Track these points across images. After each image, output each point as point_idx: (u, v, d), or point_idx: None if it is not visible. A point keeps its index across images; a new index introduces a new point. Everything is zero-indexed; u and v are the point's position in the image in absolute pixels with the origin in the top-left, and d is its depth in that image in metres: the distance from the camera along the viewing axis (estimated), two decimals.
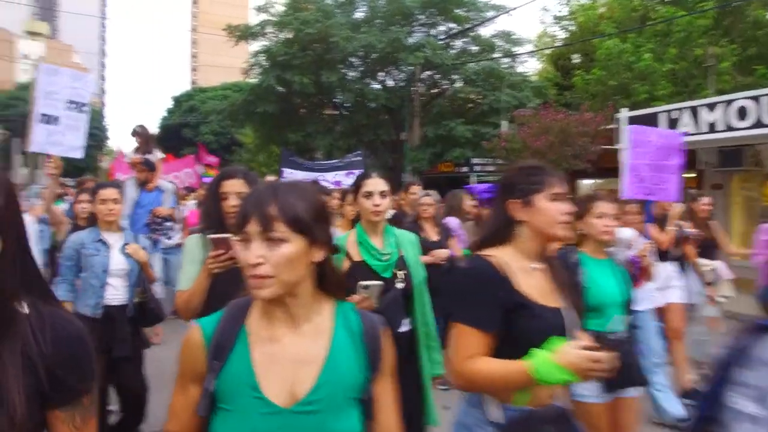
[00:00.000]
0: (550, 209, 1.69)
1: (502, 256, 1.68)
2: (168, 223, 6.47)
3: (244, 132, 28.35)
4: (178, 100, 41.63)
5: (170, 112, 41.70)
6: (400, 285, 2.51)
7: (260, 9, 19.72)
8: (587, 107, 13.67)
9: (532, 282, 1.68)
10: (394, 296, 2.44)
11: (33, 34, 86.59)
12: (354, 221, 2.88)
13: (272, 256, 1.12)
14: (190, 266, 2.38)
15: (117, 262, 3.35)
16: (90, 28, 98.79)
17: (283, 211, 1.13)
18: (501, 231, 1.76)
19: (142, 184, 6.28)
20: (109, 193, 3.36)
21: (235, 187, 2.44)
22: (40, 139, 4.34)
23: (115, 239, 3.42)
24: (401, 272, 2.55)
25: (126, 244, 3.43)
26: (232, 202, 2.45)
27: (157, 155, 7.42)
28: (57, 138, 4.37)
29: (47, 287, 1.17)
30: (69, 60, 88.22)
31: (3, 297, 1.01)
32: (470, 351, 1.61)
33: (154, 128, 40.95)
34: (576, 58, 19.02)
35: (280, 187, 1.19)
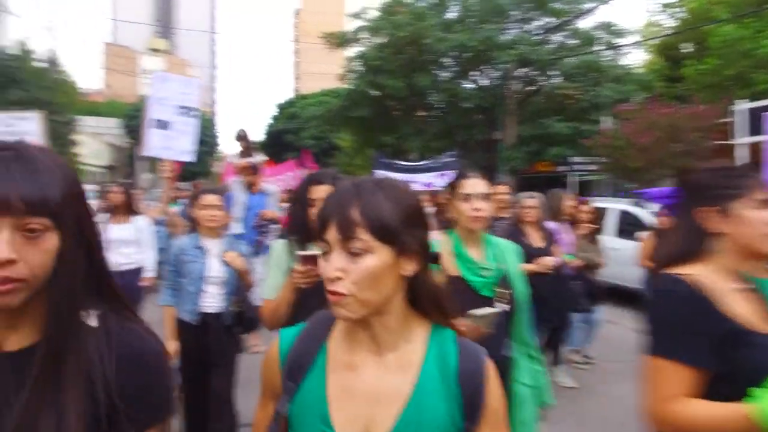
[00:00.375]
0: (755, 219, 1.38)
1: (698, 274, 1.39)
2: (274, 226, 6.74)
3: (342, 136, 29.26)
4: (281, 108, 43.78)
5: (274, 119, 44.00)
6: (503, 306, 2.16)
7: (355, 16, 20.26)
8: (700, 99, 12.67)
9: (741, 305, 1.37)
10: (497, 320, 2.11)
11: (154, 51, 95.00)
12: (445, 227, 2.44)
13: (353, 270, 0.94)
14: (276, 273, 2.28)
15: (214, 269, 3.28)
16: (203, 44, 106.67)
17: (366, 215, 0.94)
18: (691, 245, 1.46)
19: (248, 187, 6.36)
20: (211, 199, 3.30)
21: (323, 192, 2.18)
22: (153, 143, 4.56)
23: (214, 246, 3.34)
24: (505, 291, 2.20)
25: (225, 251, 3.33)
26: None
27: (260, 158, 7.73)
28: (169, 142, 4.58)
29: (121, 296, 0.98)
30: (184, 73, 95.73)
31: (61, 304, 0.86)
32: (673, 390, 1.34)
33: (260, 135, 43.57)
34: (687, 48, 17.67)
35: (365, 186, 0.99)
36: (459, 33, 17.52)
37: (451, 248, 2.24)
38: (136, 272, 4.62)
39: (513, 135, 17.16)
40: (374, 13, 19.98)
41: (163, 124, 4.53)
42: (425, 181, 9.65)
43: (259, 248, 5.26)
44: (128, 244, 4.63)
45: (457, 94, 18.32)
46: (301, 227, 2.30)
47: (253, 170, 6.41)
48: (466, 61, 18.67)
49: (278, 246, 2.39)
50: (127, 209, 4.77)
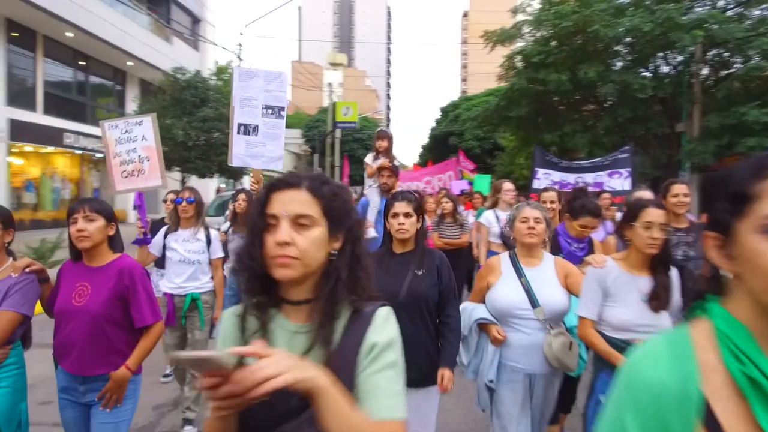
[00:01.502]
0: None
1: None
2: None
3: (505, 135, 28.44)
4: (445, 111, 44.10)
5: (438, 122, 44.50)
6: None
7: (516, 10, 19.51)
8: None
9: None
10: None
11: (334, 65, 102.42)
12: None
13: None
14: None
15: None
16: (379, 55, 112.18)
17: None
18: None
19: (386, 191, 6.03)
20: None
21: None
22: (239, 151, 4.05)
23: None
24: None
25: None
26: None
27: (396, 161, 7.53)
28: (256, 149, 4.07)
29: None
30: (362, 84, 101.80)
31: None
32: None
33: (425, 139, 44.29)
34: None
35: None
36: (631, 17, 15.83)
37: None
38: None
39: (698, 126, 14.97)
40: (536, 6, 19.03)
41: (249, 129, 4.01)
42: (593, 181, 8.77)
43: None
44: None
45: (628, 84, 16.57)
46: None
47: (391, 172, 6.13)
48: (641, 47, 16.81)
49: None
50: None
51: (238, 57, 18.73)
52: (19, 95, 15.26)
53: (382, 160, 6.46)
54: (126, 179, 4.01)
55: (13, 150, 15.64)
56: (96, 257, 2.61)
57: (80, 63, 18.28)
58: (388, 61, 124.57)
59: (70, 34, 16.16)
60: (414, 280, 2.77)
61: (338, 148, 36.67)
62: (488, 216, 6.51)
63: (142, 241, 4.15)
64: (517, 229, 3.04)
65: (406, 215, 2.82)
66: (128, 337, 2.64)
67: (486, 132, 29.70)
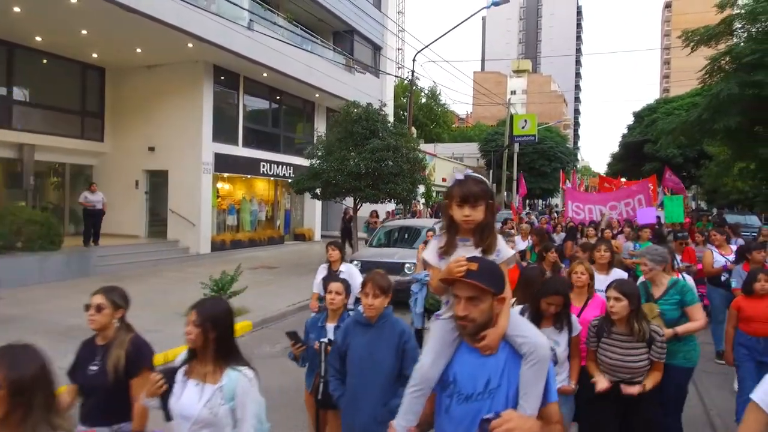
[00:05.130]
0: None
1: None
2: None
3: (712, 142, 24.69)
4: (639, 116, 39.94)
5: (630, 128, 40.48)
6: None
7: (723, 5, 16.77)
8: None
9: None
10: None
11: (517, 72, 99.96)
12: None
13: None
14: None
15: None
16: (567, 58, 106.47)
17: None
18: None
19: None
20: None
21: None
22: None
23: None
24: None
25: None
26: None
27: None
28: None
29: None
30: (548, 89, 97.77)
31: None
32: None
33: (615, 146, 40.27)
34: None
35: None
36: None
37: None
38: None
39: None
40: None
41: None
42: None
43: None
44: None
45: None
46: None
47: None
48: None
49: None
50: None
51: (407, 81, 18.94)
52: (223, 131, 17.55)
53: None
54: None
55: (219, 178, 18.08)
56: None
57: (276, 98, 20.42)
58: (578, 62, 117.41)
59: (265, 74, 18.13)
60: None
61: (516, 161, 35.49)
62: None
63: None
64: None
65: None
66: None
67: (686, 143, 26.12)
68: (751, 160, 18.51)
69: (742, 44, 16.08)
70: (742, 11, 16.24)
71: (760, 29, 15.41)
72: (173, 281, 12.59)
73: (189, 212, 16.45)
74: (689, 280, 4.80)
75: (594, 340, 3.67)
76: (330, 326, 3.60)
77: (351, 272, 5.81)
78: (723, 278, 7.30)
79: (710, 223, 16.36)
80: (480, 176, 2.07)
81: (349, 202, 15.98)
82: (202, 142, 16.57)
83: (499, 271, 1.94)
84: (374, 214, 17.90)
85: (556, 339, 3.49)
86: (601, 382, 3.52)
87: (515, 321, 1.97)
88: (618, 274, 4.93)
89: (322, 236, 22.65)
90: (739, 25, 16.67)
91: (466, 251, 1.99)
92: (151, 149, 17.03)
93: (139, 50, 15.57)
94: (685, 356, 4.06)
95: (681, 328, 4.02)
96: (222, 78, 17.51)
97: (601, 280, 4.62)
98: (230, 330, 2.48)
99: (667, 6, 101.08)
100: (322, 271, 6.11)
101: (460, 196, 1.99)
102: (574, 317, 3.68)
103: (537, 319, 3.50)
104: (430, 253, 2.09)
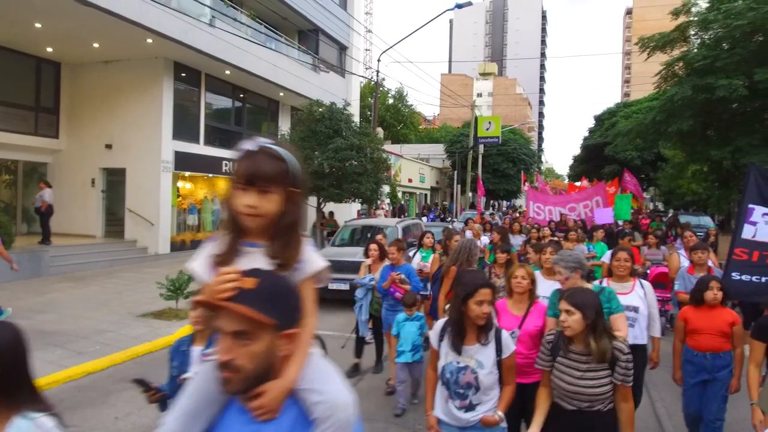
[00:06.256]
0: None
1: None
2: None
3: (668, 145, 25.52)
4: (600, 119, 40.98)
5: (591, 131, 41.49)
6: None
7: (677, 12, 17.37)
8: None
9: None
10: None
11: (484, 75, 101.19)
12: None
13: None
14: None
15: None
16: (532, 62, 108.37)
17: None
18: None
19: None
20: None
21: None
22: None
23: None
24: None
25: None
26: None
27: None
28: None
29: None
30: (513, 92, 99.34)
31: None
32: None
33: (577, 149, 41.41)
34: None
35: None
36: None
37: None
38: None
39: None
40: (703, 6, 16.76)
41: None
42: None
43: None
44: None
45: None
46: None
47: None
48: None
49: None
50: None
51: (373, 81, 19.05)
52: (183, 129, 17.20)
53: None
54: None
55: (180, 177, 17.72)
56: None
57: (239, 96, 20.14)
58: (542, 66, 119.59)
59: (228, 72, 17.86)
60: None
61: (480, 162, 35.94)
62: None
63: None
64: None
65: None
66: None
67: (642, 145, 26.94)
68: (703, 162, 19.19)
69: (695, 50, 16.69)
70: (696, 18, 16.86)
71: (711, 36, 16.01)
72: (129, 281, 12.29)
73: (147, 212, 16.08)
74: (647, 286, 4.40)
75: (548, 359, 3.05)
76: (197, 349, 2.70)
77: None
78: None
79: (663, 223, 16.93)
80: (282, 150, 1.45)
81: (312, 201, 15.91)
82: (161, 139, 16.21)
83: (292, 292, 1.30)
84: (330, 215, 17.71)
85: (479, 359, 2.92)
86: None
87: (314, 369, 1.35)
88: None
89: None
90: (693, 32, 17.30)
91: (252, 261, 1.37)
92: (108, 147, 16.59)
93: (96, 45, 15.14)
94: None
95: None
96: (183, 75, 17.17)
97: (548, 286, 4.18)
98: (18, 364, 1.66)
99: (629, 12, 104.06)
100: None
101: (245, 176, 1.39)
102: (505, 334, 3.05)
103: (460, 333, 2.95)
104: (199, 263, 1.45)
